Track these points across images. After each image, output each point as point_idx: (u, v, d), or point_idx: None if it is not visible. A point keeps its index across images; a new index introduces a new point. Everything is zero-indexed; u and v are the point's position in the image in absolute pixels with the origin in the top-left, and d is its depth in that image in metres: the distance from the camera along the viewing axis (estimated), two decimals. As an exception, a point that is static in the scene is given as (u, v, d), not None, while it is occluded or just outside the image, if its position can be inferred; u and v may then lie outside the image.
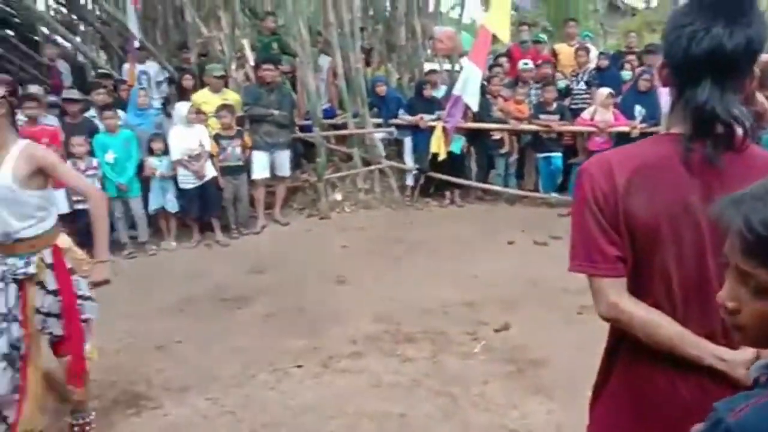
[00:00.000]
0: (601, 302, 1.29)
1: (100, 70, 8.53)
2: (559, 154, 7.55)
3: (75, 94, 6.74)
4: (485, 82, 7.75)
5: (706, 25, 1.20)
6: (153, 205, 6.53)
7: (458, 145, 7.61)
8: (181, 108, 6.53)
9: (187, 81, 7.38)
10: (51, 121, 6.25)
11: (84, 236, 3.25)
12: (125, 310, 4.57)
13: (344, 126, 8.14)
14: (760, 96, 1.79)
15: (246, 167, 6.89)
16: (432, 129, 7.45)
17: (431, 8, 10.06)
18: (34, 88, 6.75)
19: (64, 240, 2.84)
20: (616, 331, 1.37)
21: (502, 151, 7.74)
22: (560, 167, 7.58)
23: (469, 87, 7.24)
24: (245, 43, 8.18)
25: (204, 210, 6.59)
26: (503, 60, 8.63)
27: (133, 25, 7.94)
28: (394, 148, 8.28)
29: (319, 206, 7.51)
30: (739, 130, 1.22)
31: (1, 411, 2.71)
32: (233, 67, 8.06)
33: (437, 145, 7.40)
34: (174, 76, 8.01)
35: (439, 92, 8.05)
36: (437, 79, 8.31)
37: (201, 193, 6.49)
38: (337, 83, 8.14)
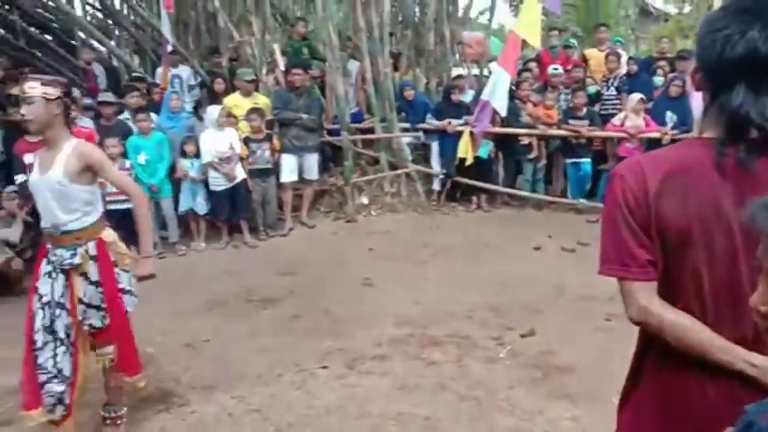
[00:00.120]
0: (632, 306, 1.28)
1: (133, 74, 8.71)
2: (589, 160, 7.48)
3: (110, 97, 6.89)
4: (514, 87, 7.72)
5: (741, 28, 1.19)
6: (182, 207, 6.65)
7: (485, 149, 7.59)
8: (213, 111, 6.64)
9: (219, 85, 7.50)
10: (86, 123, 6.41)
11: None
12: (155, 309, 4.64)
13: (372, 130, 8.18)
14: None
15: (275, 170, 6.98)
16: (459, 134, 7.45)
17: (460, 13, 10.07)
18: (71, 91, 6.92)
19: (108, 234, 2.96)
20: (646, 336, 1.36)
21: (530, 156, 7.69)
22: (589, 173, 7.51)
23: (497, 92, 7.24)
24: (276, 47, 8.29)
25: (233, 212, 6.69)
26: (533, 65, 8.59)
27: (167, 30, 8.11)
28: (421, 152, 8.30)
29: (345, 209, 7.55)
30: None
31: (62, 393, 2.84)
32: (264, 71, 8.18)
33: (465, 150, 7.40)
34: (206, 79, 8.14)
35: (467, 97, 8.04)
36: (464, 84, 8.30)
37: (231, 195, 6.59)
38: (366, 88, 8.20)
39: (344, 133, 7.72)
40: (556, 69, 8.01)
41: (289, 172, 7.06)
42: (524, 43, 7.79)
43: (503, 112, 7.41)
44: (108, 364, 3.01)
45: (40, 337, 2.84)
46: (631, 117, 7.08)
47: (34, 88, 2.77)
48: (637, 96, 7.12)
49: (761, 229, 0.85)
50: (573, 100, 7.51)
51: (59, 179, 2.77)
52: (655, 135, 6.89)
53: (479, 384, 3.51)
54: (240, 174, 6.60)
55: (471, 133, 7.36)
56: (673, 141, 6.42)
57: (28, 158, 5.60)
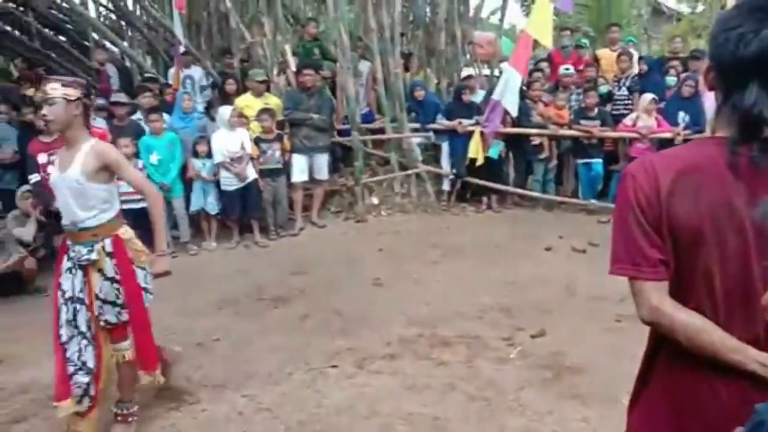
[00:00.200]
0: (643, 306, 1.28)
1: (146, 74, 8.78)
2: (600, 161, 7.44)
3: (123, 97, 6.95)
4: (524, 87, 7.70)
5: (755, 27, 1.18)
6: (194, 206, 6.70)
7: (496, 150, 7.58)
8: (224, 112, 6.68)
9: (230, 85, 7.54)
10: (99, 123, 6.46)
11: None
12: (166, 308, 4.64)
13: (382, 130, 8.19)
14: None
15: (285, 170, 7.00)
16: (470, 134, 7.44)
17: (471, 13, 10.05)
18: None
19: (125, 231, 3.03)
20: (657, 336, 1.36)
21: (541, 156, 7.66)
22: (601, 173, 7.47)
23: (508, 92, 7.22)
24: (287, 48, 8.33)
25: (244, 211, 6.72)
26: (544, 65, 8.55)
27: (179, 31, 8.16)
28: (432, 152, 8.30)
29: (355, 209, 7.56)
30: None
31: (88, 385, 2.94)
32: (275, 72, 8.21)
33: (475, 150, 7.39)
34: (217, 80, 8.19)
35: (478, 97, 8.03)
36: (475, 84, 8.29)
37: (242, 194, 6.63)
38: (376, 88, 8.21)
39: (355, 133, 7.73)
40: (567, 69, 7.98)
41: (299, 172, 7.09)
42: (535, 43, 7.76)
43: (514, 112, 7.40)
44: (121, 360, 3.06)
45: (64, 332, 2.94)
46: (642, 117, 7.04)
47: (55, 89, 2.85)
48: (649, 96, 7.08)
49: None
50: (584, 100, 7.47)
51: (77, 178, 2.85)
52: (667, 135, 6.85)
53: (489, 384, 3.50)
54: (251, 174, 6.64)
55: (481, 133, 7.35)
56: (685, 141, 6.37)
57: (41, 158, 5.69)
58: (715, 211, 1.22)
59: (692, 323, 1.24)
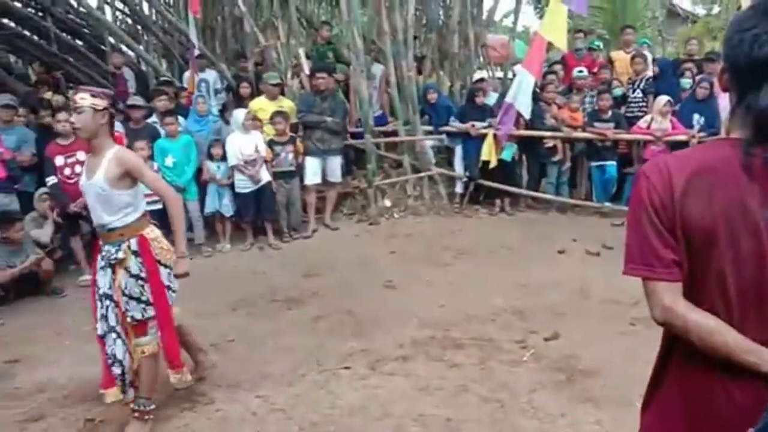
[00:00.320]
0: (656, 306, 1.28)
1: (161, 78, 8.86)
2: (614, 163, 7.40)
3: (139, 100, 7.01)
4: (538, 90, 7.68)
5: (770, 28, 1.18)
6: (209, 209, 6.75)
7: (509, 152, 7.56)
8: (239, 115, 6.72)
9: (244, 89, 7.60)
10: (116, 126, 6.50)
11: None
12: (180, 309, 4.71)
13: (395, 133, 8.21)
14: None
15: (298, 172, 7.04)
16: (483, 137, 7.44)
17: (485, 16, 10.05)
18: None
19: (150, 230, 3.17)
20: (670, 337, 1.36)
21: (555, 159, 7.63)
22: (614, 176, 7.43)
23: (521, 94, 7.21)
24: (301, 51, 8.37)
25: (258, 213, 6.76)
26: (558, 67, 8.53)
27: (193, 34, 8.23)
28: (444, 155, 8.30)
29: (368, 212, 7.58)
30: None
31: (124, 377, 3.16)
32: (289, 75, 8.26)
33: (488, 153, 7.38)
34: (232, 83, 8.25)
35: (491, 100, 8.03)
36: (487, 87, 8.29)
37: (256, 197, 6.67)
38: (390, 91, 8.22)
39: (368, 135, 7.75)
40: (581, 71, 7.95)
41: (312, 175, 7.12)
42: (549, 45, 7.74)
43: (527, 115, 7.38)
44: (141, 355, 3.15)
45: (100, 326, 3.15)
46: (657, 119, 7.00)
47: (84, 99, 3.03)
48: (664, 98, 7.03)
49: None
50: (598, 102, 7.44)
51: (101, 185, 3.01)
52: (682, 138, 6.79)
53: (502, 387, 3.50)
54: (265, 176, 6.68)
55: (495, 136, 7.35)
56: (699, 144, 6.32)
57: (59, 160, 5.76)
58: (728, 212, 1.21)
59: (706, 324, 1.24)
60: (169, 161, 6.46)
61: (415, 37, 9.03)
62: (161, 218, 3.39)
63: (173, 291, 3.24)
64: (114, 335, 3.11)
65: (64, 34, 10.76)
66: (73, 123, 3.05)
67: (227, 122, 7.13)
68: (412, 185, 7.95)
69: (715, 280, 1.24)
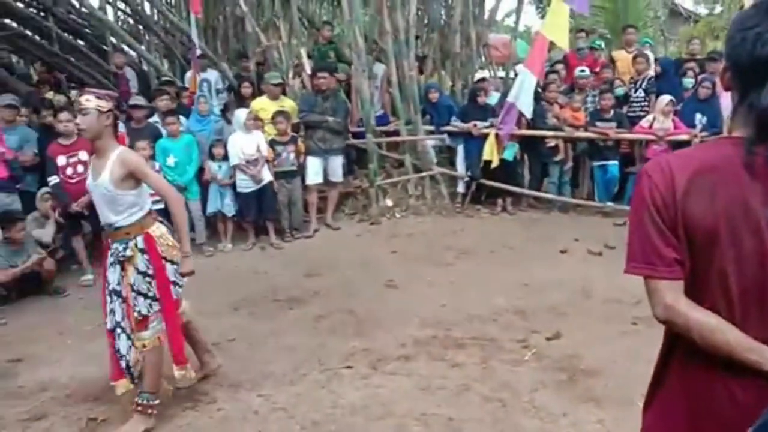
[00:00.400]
0: (658, 305, 1.28)
1: (163, 78, 8.87)
2: (616, 163, 7.40)
3: (141, 100, 7.02)
4: (539, 89, 7.68)
5: (772, 27, 1.18)
6: (210, 208, 6.76)
7: (511, 152, 7.55)
8: (240, 114, 6.73)
9: (246, 88, 7.59)
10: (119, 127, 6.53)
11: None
12: (183, 308, 4.73)
13: (397, 133, 8.21)
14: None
15: (300, 172, 7.04)
16: (484, 136, 7.44)
17: (486, 16, 10.04)
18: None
19: (156, 228, 3.23)
20: (672, 336, 1.36)
21: (557, 158, 7.62)
22: (617, 176, 7.42)
23: (523, 94, 7.20)
24: (302, 51, 8.37)
25: (260, 213, 6.77)
26: (559, 67, 8.53)
27: (195, 35, 8.23)
28: (446, 155, 8.30)
29: (370, 212, 7.58)
30: None
31: (130, 370, 3.22)
32: (290, 75, 8.26)
33: (490, 152, 7.38)
34: (233, 83, 8.25)
35: (493, 99, 8.02)
36: (489, 87, 8.28)
37: (258, 196, 6.67)
38: (391, 91, 8.22)
39: (369, 135, 7.75)
40: (583, 71, 7.94)
41: (314, 175, 7.12)
42: (551, 45, 7.74)
43: (529, 114, 7.38)
44: (141, 348, 3.20)
45: (108, 320, 3.22)
46: (659, 119, 6.99)
47: (89, 100, 3.08)
48: (666, 98, 7.02)
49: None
50: (600, 102, 7.43)
51: (106, 186, 3.08)
52: (684, 137, 6.79)
53: (504, 386, 3.50)
54: (266, 176, 6.68)
55: (496, 135, 7.34)
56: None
57: (61, 160, 5.76)
58: (730, 211, 1.21)
59: (707, 322, 1.24)
60: (170, 161, 6.46)
61: (416, 37, 9.03)
62: (165, 218, 3.43)
63: (180, 286, 3.32)
64: (119, 330, 3.19)
65: (65, 34, 10.76)
66: (78, 124, 3.12)
67: (229, 122, 7.14)
68: (413, 185, 7.95)
69: (716, 278, 1.24)
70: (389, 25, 8.06)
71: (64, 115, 5.79)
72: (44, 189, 5.96)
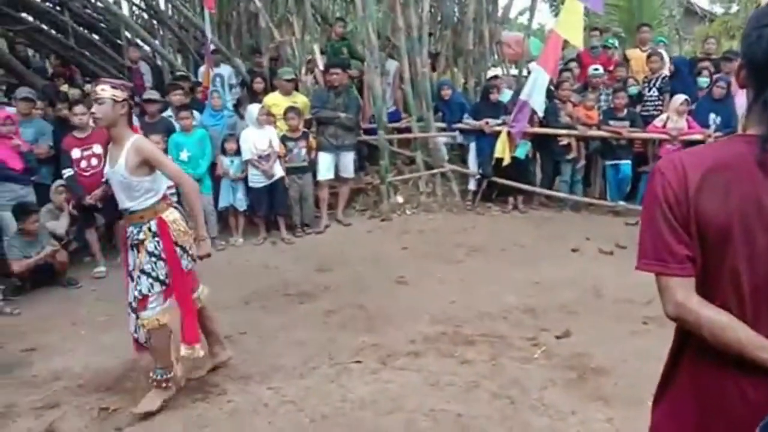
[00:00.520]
0: (669, 302, 1.28)
1: (177, 72, 8.92)
2: (629, 162, 7.35)
3: (154, 95, 7.06)
4: (553, 87, 7.64)
5: (788, 25, 1.18)
6: (223, 203, 6.80)
7: (523, 150, 7.53)
8: (253, 110, 6.76)
9: (259, 84, 7.63)
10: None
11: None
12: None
13: (408, 129, 8.21)
14: None
15: (311, 168, 7.06)
16: (496, 134, 7.42)
17: (500, 13, 10.01)
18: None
19: (169, 213, 3.32)
20: (682, 333, 1.36)
21: (569, 157, 7.59)
22: (629, 175, 7.38)
23: (536, 92, 7.18)
24: (315, 47, 8.39)
25: (271, 208, 6.80)
26: (573, 65, 8.48)
27: (209, 30, 8.28)
28: (458, 152, 8.29)
29: (381, 208, 7.59)
30: None
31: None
32: (303, 70, 8.28)
33: (502, 150, 7.36)
34: (246, 78, 8.28)
35: (505, 97, 8.00)
36: (501, 84, 8.26)
37: (269, 191, 6.70)
38: (403, 87, 8.22)
39: (381, 132, 7.76)
40: (596, 69, 7.89)
41: (325, 170, 7.15)
42: (565, 43, 7.70)
43: (541, 112, 7.35)
44: (141, 328, 3.31)
45: (127, 298, 3.36)
46: (673, 118, 6.94)
47: (105, 90, 3.17)
48: (681, 97, 6.96)
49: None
50: (614, 100, 7.39)
51: (122, 173, 3.18)
52: (698, 137, 6.73)
53: (513, 383, 3.50)
54: (278, 171, 6.71)
55: (508, 133, 7.32)
56: (717, 143, 6.25)
57: (75, 153, 5.82)
58: (743, 209, 1.21)
59: (718, 320, 1.24)
60: (183, 155, 6.50)
61: (429, 34, 9.02)
62: (180, 205, 3.52)
63: (188, 260, 3.40)
64: (129, 310, 3.35)
65: (81, 29, 10.86)
66: (94, 113, 3.20)
67: (242, 117, 7.17)
68: (424, 182, 7.95)
69: (728, 276, 1.24)
70: (402, 22, 8.05)
71: (79, 108, 5.85)
72: (59, 181, 6.02)
